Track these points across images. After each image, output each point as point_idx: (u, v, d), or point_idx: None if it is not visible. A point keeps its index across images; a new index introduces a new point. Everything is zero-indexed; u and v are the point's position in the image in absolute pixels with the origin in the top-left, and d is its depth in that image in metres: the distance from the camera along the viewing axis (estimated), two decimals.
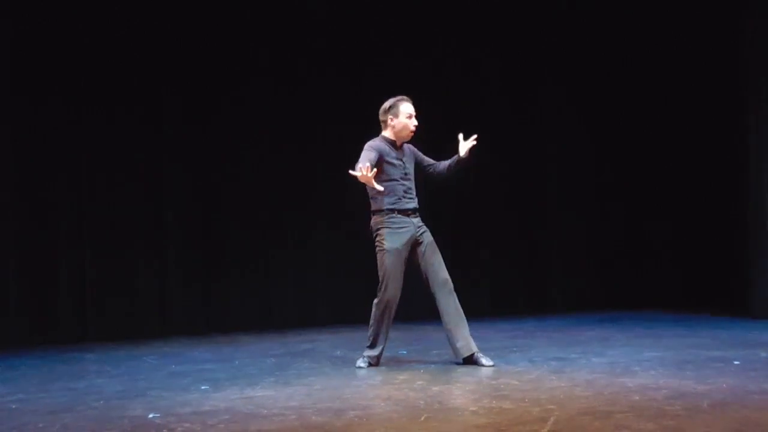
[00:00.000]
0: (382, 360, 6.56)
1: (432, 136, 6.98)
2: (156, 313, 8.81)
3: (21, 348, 7.92)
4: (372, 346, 6.54)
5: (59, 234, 8.48)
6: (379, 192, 6.24)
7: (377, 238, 6.50)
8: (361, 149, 6.35)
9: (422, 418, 4.84)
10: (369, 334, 6.54)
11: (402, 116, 6.51)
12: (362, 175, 6.02)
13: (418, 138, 6.61)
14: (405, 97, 6.58)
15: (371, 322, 6.51)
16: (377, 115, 6.58)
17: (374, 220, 6.53)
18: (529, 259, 10.32)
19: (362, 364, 6.50)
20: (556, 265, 10.39)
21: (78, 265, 8.53)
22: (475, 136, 6.54)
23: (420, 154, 6.75)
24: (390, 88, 9.31)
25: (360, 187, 6.29)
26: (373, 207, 6.54)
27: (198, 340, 8.26)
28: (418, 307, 7.44)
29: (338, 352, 7.30)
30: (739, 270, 9.37)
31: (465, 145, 6.53)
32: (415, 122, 6.54)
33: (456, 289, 6.51)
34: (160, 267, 8.85)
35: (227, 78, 9.10)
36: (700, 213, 10.18)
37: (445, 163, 6.68)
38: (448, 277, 6.48)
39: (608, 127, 10.48)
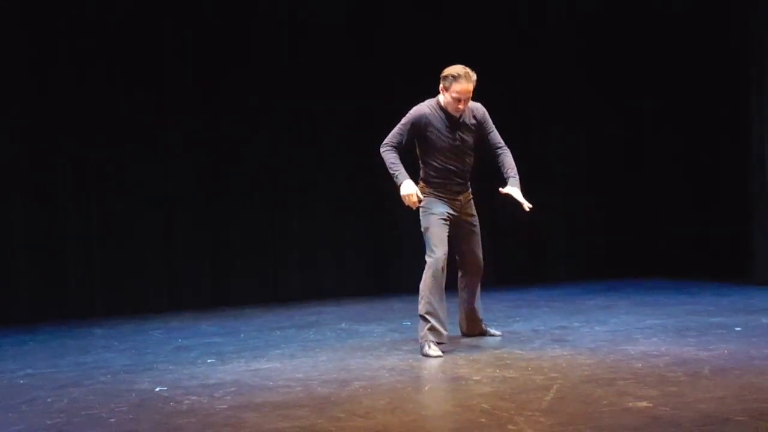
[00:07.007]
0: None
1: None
2: (163, 287, 8.84)
3: (29, 323, 7.97)
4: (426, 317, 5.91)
5: (67, 210, 8.50)
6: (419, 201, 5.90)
7: (421, 204, 5.98)
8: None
9: (426, 388, 4.89)
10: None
11: (450, 93, 5.77)
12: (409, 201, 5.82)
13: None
14: (467, 72, 5.73)
15: (422, 287, 5.92)
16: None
17: (420, 186, 6.01)
18: (532, 229, 10.30)
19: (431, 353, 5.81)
20: (559, 235, 10.39)
21: (85, 239, 8.56)
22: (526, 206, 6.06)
23: (488, 127, 6.03)
24: (398, 67, 9.34)
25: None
26: (421, 175, 6.07)
27: (204, 314, 8.30)
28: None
29: (343, 324, 7.33)
30: (741, 237, 9.38)
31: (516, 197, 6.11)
32: (461, 107, 5.81)
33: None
34: (167, 241, 8.88)
35: (231, 54, 9.08)
36: (702, 180, 10.16)
37: (503, 169, 6.18)
38: (482, 263, 6.28)
39: (612, 94, 10.44)
